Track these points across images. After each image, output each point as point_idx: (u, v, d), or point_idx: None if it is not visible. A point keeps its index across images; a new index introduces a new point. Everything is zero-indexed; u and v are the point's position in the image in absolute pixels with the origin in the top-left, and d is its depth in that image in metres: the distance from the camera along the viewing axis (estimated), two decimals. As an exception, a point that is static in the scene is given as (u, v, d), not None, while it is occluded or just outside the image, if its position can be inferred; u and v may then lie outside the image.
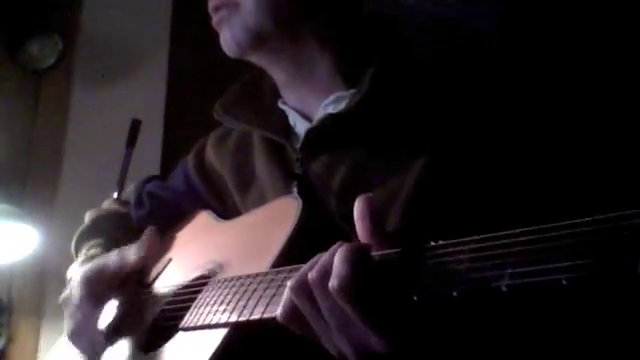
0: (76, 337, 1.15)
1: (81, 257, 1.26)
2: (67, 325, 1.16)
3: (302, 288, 0.73)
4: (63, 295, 1.18)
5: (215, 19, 1.06)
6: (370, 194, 0.74)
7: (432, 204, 0.89)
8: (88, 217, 1.37)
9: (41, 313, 2.54)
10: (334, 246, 0.73)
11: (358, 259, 0.69)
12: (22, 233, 2.34)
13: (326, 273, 0.71)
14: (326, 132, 1.01)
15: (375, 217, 0.73)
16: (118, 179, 1.90)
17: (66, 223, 1.52)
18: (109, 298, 1.18)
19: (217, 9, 1.05)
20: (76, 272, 1.20)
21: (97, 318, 1.15)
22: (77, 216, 1.42)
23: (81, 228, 1.34)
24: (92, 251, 1.26)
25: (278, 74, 1.10)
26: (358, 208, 0.73)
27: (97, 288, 1.15)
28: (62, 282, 1.34)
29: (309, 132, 1.03)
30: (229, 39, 1.05)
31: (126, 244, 1.30)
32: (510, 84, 0.93)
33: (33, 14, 2.82)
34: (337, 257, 0.70)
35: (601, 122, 0.89)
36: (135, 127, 1.96)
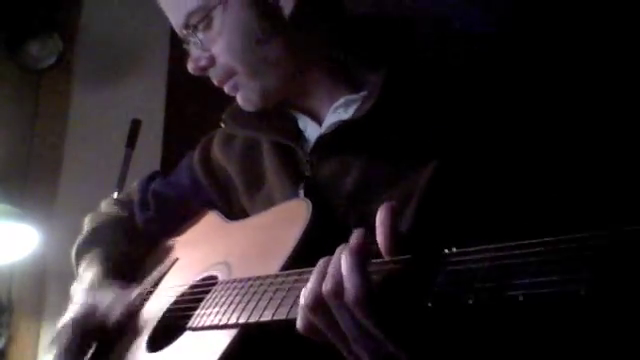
0: None
1: (82, 273, 1.26)
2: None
3: (317, 303, 0.74)
4: (56, 329, 1.18)
5: (226, 91, 1.10)
6: (394, 202, 0.74)
7: (444, 206, 0.90)
8: (87, 224, 1.36)
9: (41, 313, 2.54)
10: (338, 249, 0.73)
11: (363, 263, 0.70)
12: (22, 233, 2.34)
13: (338, 285, 0.71)
14: (338, 138, 1.01)
15: (396, 225, 0.74)
16: (118, 179, 1.90)
17: (66, 223, 1.53)
18: (94, 340, 1.18)
19: (222, 85, 1.09)
20: (77, 294, 1.20)
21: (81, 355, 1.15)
22: (77, 216, 1.41)
23: (81, 238, 1.33)
24: (90, 272, 1.25)
25: (287, 95, 1.11)
26: (381, 215, 0.73)
27: (83, 333, 1.15)
28: (62, 282, 1.34)
29: (320, 138, 1.03)
30: (244, 102, 1.09)
31: (131, 250, 1.31)
32: (519, 87, 0.92)
33: (33, 14, 2.82)
34: (344, 267, 0.70)
35: (610, 125, 0.89)
36: (135, 127, 1.96)
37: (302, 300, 0.75)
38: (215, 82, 1.09)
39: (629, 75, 0.96)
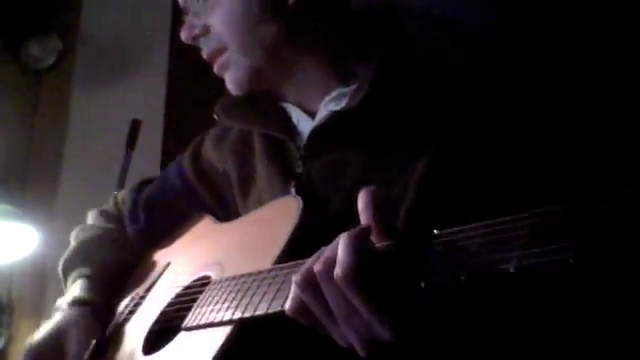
0: None
1: (67, 293, 1.24)
2: None
3: (308, 281, 0.74)
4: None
5: (215, 69, 1.08)
6: (373, 187, 0.74)
7: (438, 200, 0.90)
8: (74, 238, 1.33)
9: (41, 313, 2.54)
10: (337, 238, 0.74)
11: (360, 245, 0.70)
12: (22, 233, 2.34)
13: (331, 264, 0.71)
14: (331, 130, 1.00)
15: (379, 209, 0.74)
16: (118, 179, 1.90)
17: (66, 223, 1.52)
18: None
19: (212, 60, 1.07)
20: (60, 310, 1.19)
21: None
22: (77, 216, 1.41)
23: (67, 253, 1.30)
24: (74, 293, 1.22)
25: (278, 84, 1.10)
26: (362, 201, 0.74)
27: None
28: (62, 282, 1.34)
29: (314, 131, 1.03)
30: (231, 82, 1.07)
31: (119, 259, 1.29)
32: (510, 80, 0.93)
33: (33, 14, 2.82)
34: (340, 246, 0.71)
35: (599, 116, 0.90)
36: (135, 127, 1.96)
37: (293, 279, 0.75)
38: (205, 55, 1.08)
39: (626, 68, 0.97)
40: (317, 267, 0.73)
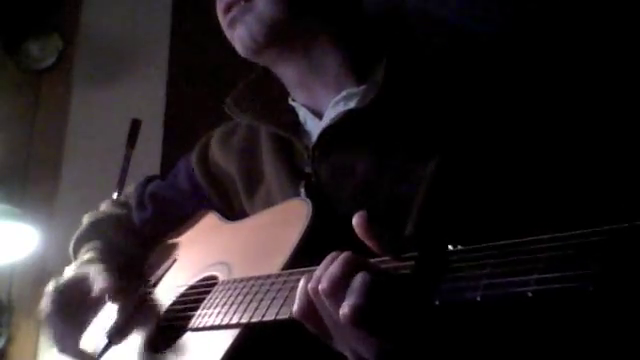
0: (62, 352, 1.15)
1: (78, 260, 1.25)
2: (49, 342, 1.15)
3: (317, 296, 0.74)
4: (40, 308, 1.17)
5: (227, 19, 1.04)
6: (362, 212, 0.73)
7: (448, 203, 0.89)
8: (86, 220, 1.35)
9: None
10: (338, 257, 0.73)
11: (370, 284, 0.69)
12: (22, 233, 2.34)
13: (339, 293, 0.71)
14: (342, 130, 0.99)
15: (376, 231, 0.73)
16: (118, 179, 1.90)
17: (66, 223, 1.52)
18: (82, 314, 1.16)
19: (229, 9, 1.04)
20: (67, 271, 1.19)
21: (74, 332, 1.14)
22: (77, 216, 1.41)
23: (79, 231, 1.32)
24: (88, 255, 1.24)
25: (289, 72, 1.09)
26: (357, 229, 0.73)
27: (67, 304, 1.14)
28: (62, 282, 1.33)
29: (325, 130, 1.01)
30: (244, 36, 1.03)
31: (127, 246, 1.30)
32: (519, 83, 0.92)
33: (33, 14, 2.82)
34: (351, 287, 0.69)
35: (607, 120, 0.90)
36: (135, 127, 1.96)
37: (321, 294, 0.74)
38: (221, 6, 1.04)
39: (629, 74, 0.96)
40: (323, 287, 0.72)
